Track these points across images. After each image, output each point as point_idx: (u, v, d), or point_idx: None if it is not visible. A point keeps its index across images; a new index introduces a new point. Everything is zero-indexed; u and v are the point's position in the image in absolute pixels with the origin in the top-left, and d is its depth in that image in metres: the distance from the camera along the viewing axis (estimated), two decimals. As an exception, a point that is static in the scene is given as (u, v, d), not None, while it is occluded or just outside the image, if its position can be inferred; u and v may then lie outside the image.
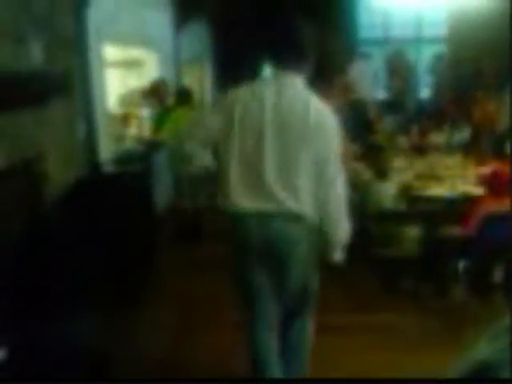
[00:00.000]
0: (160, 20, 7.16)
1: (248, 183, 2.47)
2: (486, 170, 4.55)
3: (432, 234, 4.08)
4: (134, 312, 4.00)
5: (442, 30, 11.44)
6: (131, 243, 4.17)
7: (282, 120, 2.45)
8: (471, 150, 6.23)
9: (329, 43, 11.23)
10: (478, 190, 4.25)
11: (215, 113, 2.60)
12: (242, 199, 2.47)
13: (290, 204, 2.45)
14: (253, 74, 11.39)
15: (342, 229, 2.58)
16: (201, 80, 9.92)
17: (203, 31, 9.55)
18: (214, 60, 10.63)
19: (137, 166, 4.99)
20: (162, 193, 6.08)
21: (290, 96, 2.48)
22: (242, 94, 2.53)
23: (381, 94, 10.74)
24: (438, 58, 11.43)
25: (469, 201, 4.09)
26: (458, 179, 4.59)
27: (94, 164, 4.85)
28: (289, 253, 2.51)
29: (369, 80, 10.32)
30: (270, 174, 2.44)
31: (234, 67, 10.96)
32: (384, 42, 11.42)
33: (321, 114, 2.49)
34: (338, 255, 2.65)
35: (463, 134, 7.37)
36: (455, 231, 3.91)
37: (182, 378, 3.29)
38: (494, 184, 3.88)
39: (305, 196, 2.47)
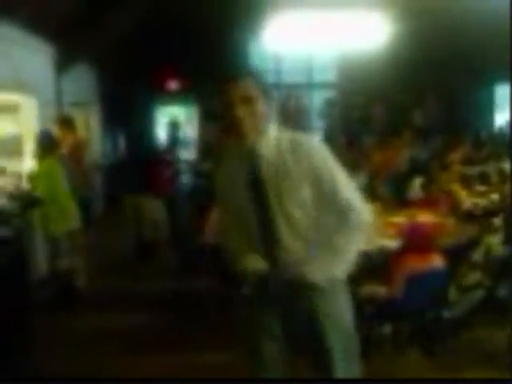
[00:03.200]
0: (38, 63, 6.57)
1: None
2: (399, 219, 4.30)
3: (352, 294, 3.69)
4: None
5: (332, 76, 11.61)
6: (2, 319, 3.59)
7: None
8: (369, 195, 6.03)
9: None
10: (394, 244, 3.93)
11: None
12: None
13: None
14: (142, 116, 10.90)
15: None
16: (87, 123, 9.26)
17: (88, 73, 8.94)
18: (101, 102, 10.01)
19: (7, 228, 4.18)
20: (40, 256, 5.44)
21: None
22: None
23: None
24: (329, 103, 11.58)
25: (387, 257, 3.74)
26: (372, 231, 4.23)
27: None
28: None
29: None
30: None
31: (121, 109, 10.36)
32: (276, 87, 11.39)
33: None
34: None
35: (360, 179, 7.24)
36: (379, 291, 3.54)
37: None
38: (414, 239, 3.57)
39: None
